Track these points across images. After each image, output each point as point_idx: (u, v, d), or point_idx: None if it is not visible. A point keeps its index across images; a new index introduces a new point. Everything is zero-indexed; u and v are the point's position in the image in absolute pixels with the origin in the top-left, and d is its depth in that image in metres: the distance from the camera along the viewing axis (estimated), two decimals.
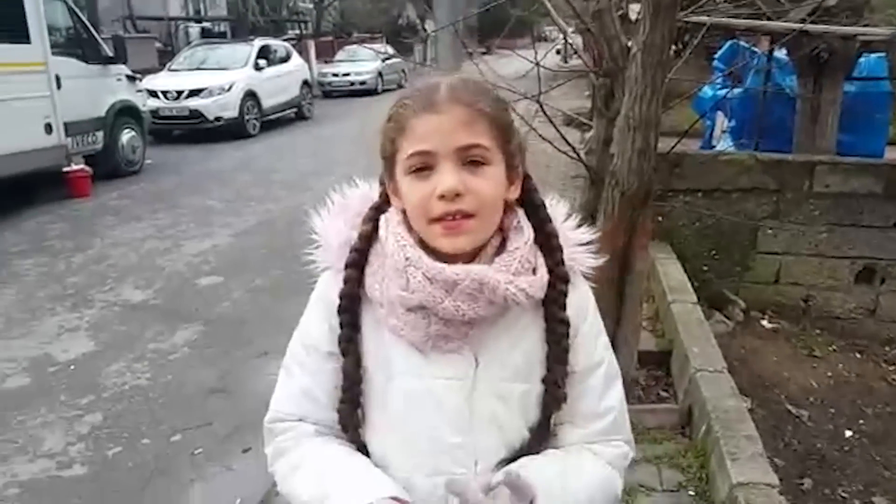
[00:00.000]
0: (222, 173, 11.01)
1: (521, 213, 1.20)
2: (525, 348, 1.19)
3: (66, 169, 9.23)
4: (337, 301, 1.18)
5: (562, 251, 1.19)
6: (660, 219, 5.19)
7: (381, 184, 1.24)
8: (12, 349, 4.86)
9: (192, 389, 4.32)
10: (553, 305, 1.18)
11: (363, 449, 1.24)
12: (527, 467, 1.15)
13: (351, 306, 1.18)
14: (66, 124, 9.09)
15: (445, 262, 1.12)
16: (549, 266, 1.18)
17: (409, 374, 1.17)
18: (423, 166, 1.11)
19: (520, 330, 1.18)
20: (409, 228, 1.16)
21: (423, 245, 1.14)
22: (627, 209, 3.24)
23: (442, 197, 1.08)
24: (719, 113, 8.91)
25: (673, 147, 3.75)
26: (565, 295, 1.19)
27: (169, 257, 6.90)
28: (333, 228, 1.21)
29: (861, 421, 3.91)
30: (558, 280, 1.18)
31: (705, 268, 5.27)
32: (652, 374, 3.96)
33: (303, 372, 1.24)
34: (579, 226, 1.24)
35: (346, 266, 1.18)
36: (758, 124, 7.21)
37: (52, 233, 7.77)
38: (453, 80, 1.15)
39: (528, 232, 1.18)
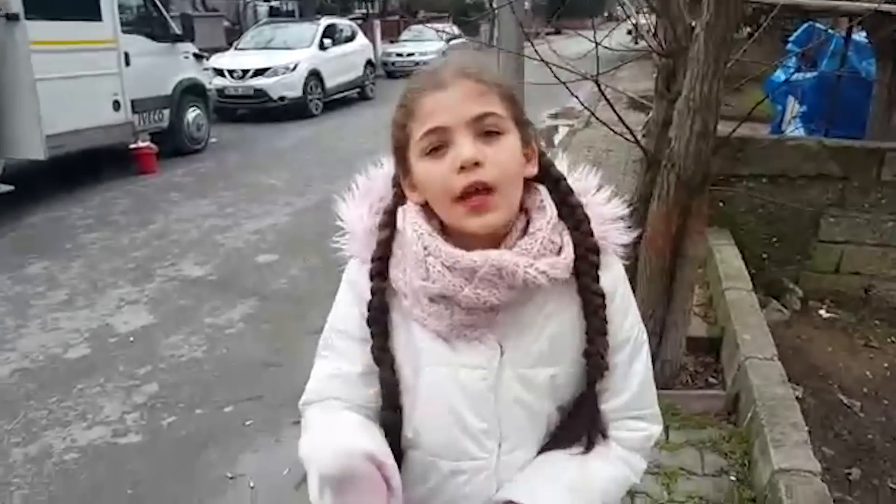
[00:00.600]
0: (284, 152, 11.15)
1: (543, 191, 1.18)
2: (553, 332, 1.18)
3: (132, 146, 9.45)
4: (366, 291, 1.18)
5: (589, 222, 1.17)
6: (721, 204, 5.09)
7: (395, 185, 1.22)
8: (76, 320, 5.02)
9: (245, 363, 4.40)
10: (586, 278, 1.17)
11: (397, 444, 1.24)
12: (534, 493, 1.17)
13: (380, 315, 1.18)
14: (133, 101, 9.28)
15: (467, 248, 1.10)
16: (576, 239, 1.16)
17: (434, 364, 1.17)
18: (439, 145, 1.09)
19: (547, 313, 1.17)
20: (428, 218, 1.15)
21: (445, 233, 1.13)
22: (683, 193, 3.16)
23: (462, 169, 1.06)
24: (791, 98, 8.66)
25: (734, 130, 3.64)
26: (597, 266, 1.17)
27: (229, 234, 7.03)
28: (357, 215, 1.21)
29: None
30: (588, 252, 1.16)
31: (764, 255, 5.14)
32: (701, 360, 3.89)
33: (335, 355, 1.25)
34: (610, 199, 1.21)
35: (372, 276, 1.18)
36: (830, 110, 6.97)
37: (118, 208, 7.99)
38: (462, 59, 1.15)
39: (551, 211, 1.15)
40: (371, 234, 1.18)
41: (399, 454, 1.23)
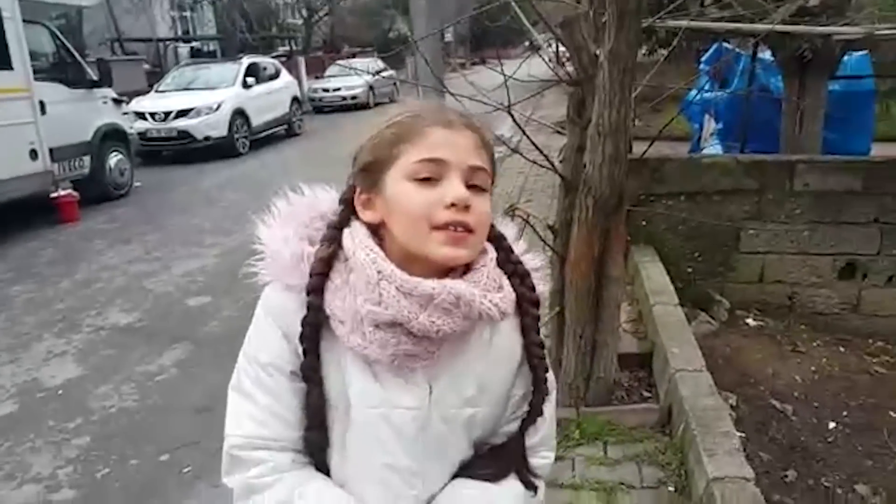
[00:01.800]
0: (211, 192, 11.03)
1: None
2: (483, 373, 1.22)
3: (53, 194, 9.23)
4: (293, 321, 1.14)
5: (530, 276, 1.23)
6: (643, 223, 5.24)
7: (342, 201, 1.21)
8: (1, 376, 4.86)
9: (179, 409, 4.33)
10: (531, 333, 1.24)
11: (325, 471, 1.23)
12: None
13: (314, 333, 1.14)
14: (51, 150, 9.09)
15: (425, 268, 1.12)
16: (520, 293, 1.21)
17: (365, 404, 1.16)
18: (431, 176, 1.11)
19: (478, 355, 1.21)
20: (379, 243, 1.15)
21: (393, 260, 1.12)
22: (601, 216, 3.26)
23: (452, 206, 1.09)
24: (707, 116, 8.96)
25: (646, 150, 3.77)
26: (538, 318, 1.24)
27: (157, 279, 6.91)
28: (281, 237, 1.17)
29: (844, 413, 3.94)
30: (532, 305, 1.23)
31: (689, 269, 5.30)
32: (635, 375, 3.99)
33: (265, 393, 1.18)
34: (528, 250, 1.28)
35: (308, 291, 1.13)
36: (743, 126, 7.25)
37: (41, 259, 7.78)
38: (460, 110, 1.20)
39: (491, 252, 1.20)
40: (298, 259, 1.15)
41: (326, 472, 1.22)
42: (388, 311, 1.09)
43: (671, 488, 3.06)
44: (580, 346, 3.53)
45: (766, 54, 7.54)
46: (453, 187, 1.10)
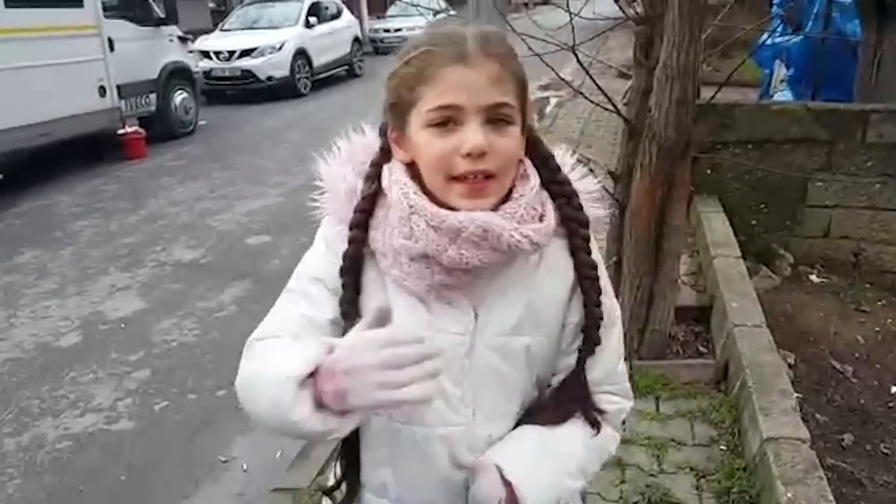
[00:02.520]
0: (274, 133, 11.11)
1: (527, 161, 1.18)
2: (531, 301, 1.18)
3: (120, 131, 9.42)
4: (341, 247, 1.15)
5: (577, 196, 1.18)
6: (708, 171, 5.07)
7: (382, 134, 1.20)
8: (66, 308, 5.02)
9: (238, 346, 4.33)
10: (580, 253, 1.18)
11: None
12: (502, 453, 1.18)
13: (354, 267, 1.15)
14: (119, 87, 9.26)
15: (449, 209, 1.10)
16: (566, 213, 1.17)
17: (410, 328, 1.14)
18: (447, 120, 1.07)
19: (525, 281, 1.17)
20: (413, 177, 1.13)
21: (428, 194, 1.12)
22: (665, 163, 3.15)
23: (468, 155, 1.06)
24: (778, 62, 8.61)
25: (713, 95, 3.62)
26: (588, 239, 1.19)
27: (221, 217, 7.02)
28: (339, 175, 1.18)
29: None
30: (580, 226, 1.18)
31: (754, 221, 5.13)
32: (692, 329, 3.89)
33: (305, 300, 1.19)
34: (585, 176, 1.22)
35: (351, 227, 1.15)
36: (816, 73, 6.94)
37: (107, 195, 7.97)
38: (481, 30, 1.10)
39: (534, 179, 1.16)
40: (352, 195, 1.16)
41: None
42: (418, 244, 1.08)
43: (723, 447, 3.00)
44: (637, 297, 3.45)
45: None
46: (469, 134, 1.05)
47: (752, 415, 2.85)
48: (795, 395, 2.98)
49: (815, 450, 2.63)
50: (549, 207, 1.16)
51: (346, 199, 1.17)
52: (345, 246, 1.15)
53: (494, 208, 1.11)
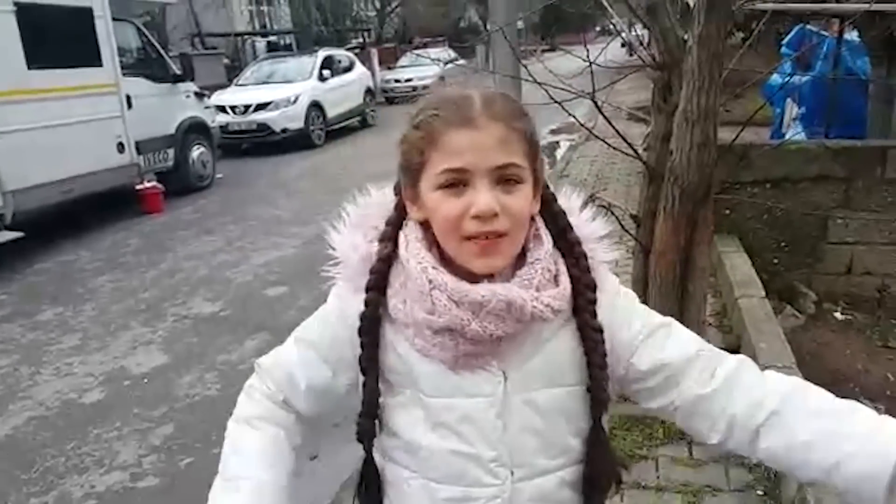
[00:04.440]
0: (290, 183, 11.23)
1: (539, 221, 1.18)
2: (553, 352, 1.17)
3: (138, 186, 9.53)
4: (354, 318, 1.17)
5: (587, 258, 1.18)
6: (727, 212, 5.07)
7: (397, 192, 1.21)
8: (89, 364, 5.02)
9: None
10: (584, 314, 1.17)
11: (371, 459, 1.27)
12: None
13: (372, 329, 1.16)
14: (137, 143, 9.40)
15: (465, 275, 1.10)
16: (575, 275, 1.16)
17: (440, 394, 1.16)
18: (456, 182, 1.08)
19: (546, 337, 1.17)
20: (430, 244, 1.14)
21: (444, 260, 1.12)
22: (688, 205, 3.15)
23: (477, 217, 1.06)
24: (789, 100, 8.65)
25: (735, 138, 3.63)
26: (594, 302, 1.17)
27: (238, 269, 7.05)
28: (350, 244, 1.19)
29: None
30: (587, 288, 1.16)
31: (775, 260, 5.11)
32: None
33: (299, 360, 1.25)
34: (594, 218, 1.22)
35: (368, 289, 1.15)
36: (828, 111, 6.96)
37: (127, 249, 8.03)
38: (486, 92, 1.11)
39: (548, 241, 1.16)
40: (366, 262, 1.17)
41: (372, 461, 1.27)
42: (441, 319, 1.09)
43: (760, 492, 2.93)
44: None
45: (851, 35, 7.22)
46: (478, 197, 1.06)
47: None
48: None
49: None
50: (562, 268, 1.16)
51: (361, 266, 1.17)
52: (360, 308, 1.16)
53: (511, 273, 1.12)
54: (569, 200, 1.22)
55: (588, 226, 1.21)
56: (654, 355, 1.18)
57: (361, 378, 1.20)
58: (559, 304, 1.12)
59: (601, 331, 1.17)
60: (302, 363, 1.25)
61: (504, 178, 1.08)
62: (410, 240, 1.14)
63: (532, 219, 1.17)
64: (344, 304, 1.20)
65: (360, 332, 1.17)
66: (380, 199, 1.23)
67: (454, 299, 1.08)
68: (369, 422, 1.22)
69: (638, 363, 1.19)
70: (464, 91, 1.12)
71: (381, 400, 1.20)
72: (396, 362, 1.18)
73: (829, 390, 3.21)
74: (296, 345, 1.27)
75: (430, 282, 1.09)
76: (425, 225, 1.15)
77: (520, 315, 1.09)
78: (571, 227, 1.19)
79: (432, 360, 1.14)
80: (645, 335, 1.19)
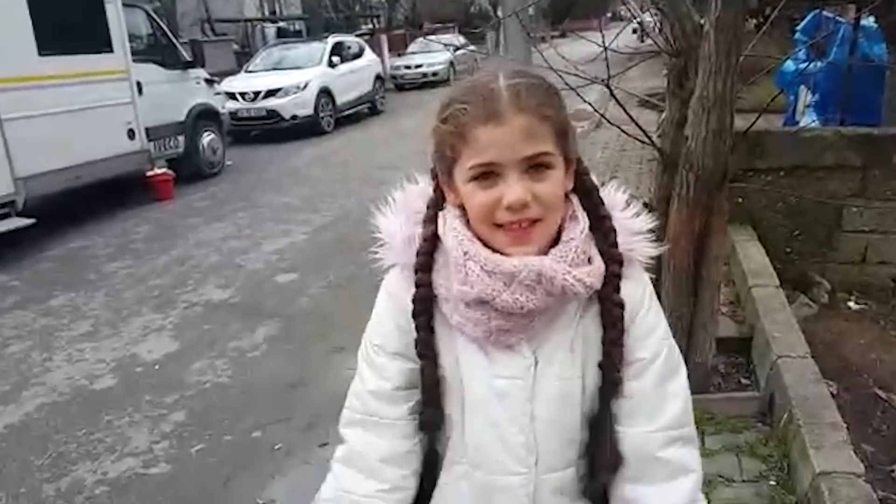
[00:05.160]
0: (299, 170, 11.22)
1: (575, 200, 1.19)
2: (583, 340, 1.18)
3: (149, 173, 9.54)
4: (407, 301, 1.19)
5: (615, 233, 1.17)
6: (740, 200, 5.02)
7: (434, 177, 1.22)
8: (101, 351, 5.03)
9: (271, 385, 4.39)
10: (607, 287, 1.16)
11: (433, 450, 1.27)
12: None
13: (425, 309, 1.18)
14: (147, 129, 9.39)
15: (501, 253, 1.12)
16: (601, 249, 1.16)
17: (475, 375, 1.18)
18: (487, 174, 1.09)
19: (577, 323, 1.17)
20: (467, 222, 1.15)
21: (480, 237, 1.14)
22: (703, 193, 3.11)
23: (509, 207, 1.08)
24: (802, 87, 8.57)
25: (751, 125, 3.58)
26: (619, 277, 1.17)
27: (248, 256, 7.05)
28: (396, 225, 1.21)
29: None
30: (612, 262, 1.16)
31: (788, 249, 5.07)
32: (732, 360, 3.83)
33: (372, 372, 1.25)
34: (639, 214, 1.21)
35: (417, 270, 1.18)
36: (843, 98, 6.89)
37: (138, 236, 8.05)
38: (512, 80, 1.10)
39: (584, 221, 1.16)
40: (411, 242, 1.19)
41: (434, 454, 1.27)
42: (473, 289, 1.11)
43: (773, 482, 2.91)
44: (677, 329, 3.39)
45: (869, 21, 7.13)
46: (509, 189, 1.08)
47: (801, 449, 2.78)
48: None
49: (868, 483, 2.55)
50: (595, 251, 1.16)
51: (406, 246, 1.20)
52: (411, 291, 1.18)
53: (545, 251, 1.13)
54: (613, 196, 1.22)
55: (630, 221, 1.20)
56: (647, 393, 1.20)
57: (419, 364, 1.21)
58: (592, 281, 1.13)
59: (622, 306, 1.17)
60: (377, 372, 1.25)
61: (534, 165, 1.09)
62: (448, 218, 1.17)
63: (567, 197, 1.17)
64: (395, 291, 1.23)
65: (414, 314, 1.19)
66: (422, 187, 1.25)
67: (487, 269, 1.10)
68: (432, 410, 1.23)
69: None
70: (491, 82, 1.11)
71: (440, 386, 1.21)
72: (445, 343, 1.20)
73: (842, 380, 3.20)
74: (366, 354, 1.27)
75: (465, 253, 1.12)
76: (462, 207, 1.16)
77: (550, 287, 1.10)
78: (602, 202, 1.19)
79: (468, 340, 1.16)
80: (655, 367, 1.20)
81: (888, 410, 3.64)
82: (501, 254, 1.11)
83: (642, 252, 1.20)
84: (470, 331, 1.15)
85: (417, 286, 1.18)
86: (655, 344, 1.21)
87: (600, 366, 1.18)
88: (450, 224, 1.15)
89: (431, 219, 1.19)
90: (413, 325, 1.19)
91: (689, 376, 3.34)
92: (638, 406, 1.19)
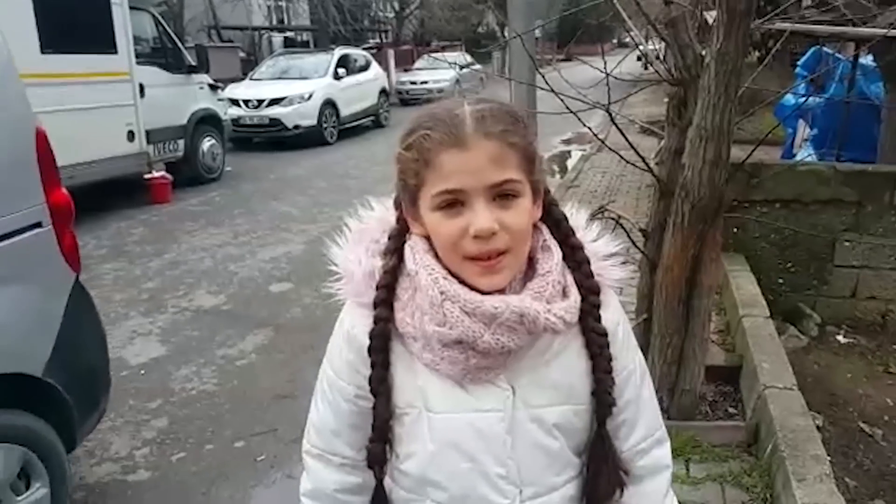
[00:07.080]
0: (299, 180, 11.21)
1: (546, 231, 1.17)
2: (560, 368, 1.16)
3: (147, 175, 9.53)
4: (363, 338, 1.15)
5: (589, 263, 1.16)
6: (735, 230, 5.05)
7: (397, 206, 1.19)
8: None
9: (258, 395, 4.36)
10: (588, 318, 1.16)
11: (381, 486, 1.24)
12: None
13: (383, 345, 1.14)
14: (147, 132, 9.40)
15: (476, 290, 1.09)
16: (577, 280, 1.15)
17: (447, 410, 1.15)
18: (453, 202, 1.06)
19: (553, 351, 1.16)
20: (437, 256, 1.12)
21: (453, 274, 1.11)
22: (698, 222, 3.12)
23: (476, 236, 1.04)
24: (801, 121, 8.64)
25: (748, 157, 3.60)
26: (598, 307, 1.16)
27: (243, 263, 7.03)
28: (353, 258, 1.17)
29: None
30: (590, 293, 1.15)
31: (781, 280, 5.10)
32: (720, 389, 3.83)
33: (328, 409, 1.25)
34: (601, 235, 1.21)
35: (376, 305, 1.14)
36: (840, 133, 6.94)
37: (132, 238, 8.02)
38: (477, 106, 1.08)
39: (557, 252, 1.14)
40: (370, 278, 1.15)
41: (382, 489, 1.24)
42: (452, 331, 1.07)
43: None
44: (666, 356, 3.39)
45: (866, 59, 7.19)
46: (476, 217, 1.04)
47: (785, 480, 2.78)
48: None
49: None
50: (570, 280, 1.15)
51: (364, 281, 1.16)
52: (369, 326, 1.15)
53: (521, 284, 1.11)
54: (575, 217, 1.21)
55: (595, 244, 1.19)
56: (633, 400, 1.25)
57: (371, 401, 1.18)
58: (571, 317, 1.12)
59: (605, 334, 1.17)
60: (333, 409, 1.25)
61: (501, 194, 1.06)
62: (418, 251, 1.13)
63: (538, 228, 1.15)
64: (350, 326, 1.19)
65: (370, 350, 1.15)
66: (380, 213, 1.22)
67: (466, 310, 1.06)
68: (380, 446, 1.20)
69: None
70: (455, 108, 1.08)
71: (391, 422, 1.19)
72: (403, 379, 1.16)
73: (828, 413, 3.21)
74: (323, 388, 1.26)
75: (442, 293, 1.07)
76: (428, 238, 1.13)
77: (532, 327, 1.08)
78: (574, 232, 1.18)
79: (440, 375, 1.13)
80: (633, 381, 1.24)
81: (872, 445, 3.66)
82: (471, 287, 1.08)
83: (611, 275, 1.19)
84: (445, 369, 1.11)
85: (376, 321, 1.14)
86: (631, 354, 1.24)
87: (594, 394, 1.18)
88: (422, 261, 1.11)
89: (393, 251, 1.15)
90: (369, 362, 1.15)
91: (676, 403, 3.35)
92: (622, 420, 1.23)
